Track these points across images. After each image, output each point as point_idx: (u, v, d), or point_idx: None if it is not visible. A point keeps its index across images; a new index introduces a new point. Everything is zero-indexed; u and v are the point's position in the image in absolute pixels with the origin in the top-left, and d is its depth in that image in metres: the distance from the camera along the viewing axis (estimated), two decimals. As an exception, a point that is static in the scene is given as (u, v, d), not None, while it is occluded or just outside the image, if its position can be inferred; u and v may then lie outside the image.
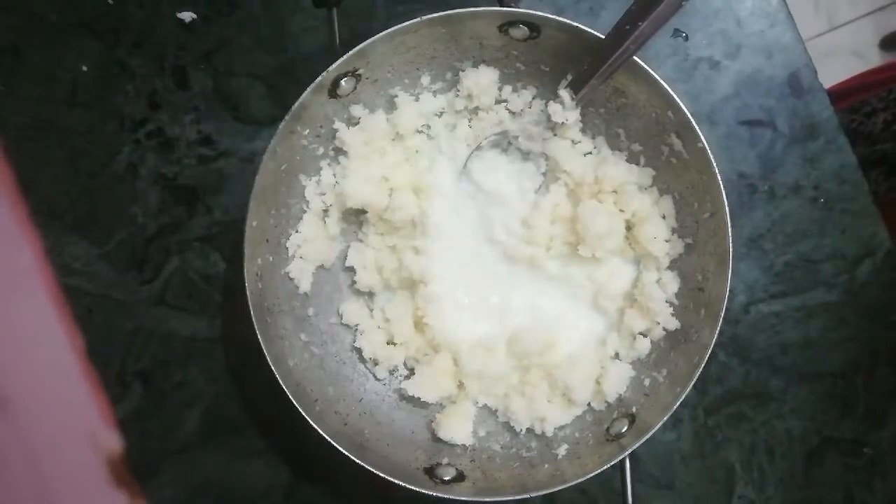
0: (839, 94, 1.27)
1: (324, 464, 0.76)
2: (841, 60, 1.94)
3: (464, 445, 0.80)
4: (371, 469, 0.72)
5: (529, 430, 0.80)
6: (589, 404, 0.80)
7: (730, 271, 0.72)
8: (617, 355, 0.81)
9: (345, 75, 0.76)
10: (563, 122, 0.78)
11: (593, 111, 0.81)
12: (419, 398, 0.80)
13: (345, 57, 0.74)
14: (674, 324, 0.78)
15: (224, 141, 0.90)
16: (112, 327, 0.87)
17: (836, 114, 0.88)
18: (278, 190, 0.79)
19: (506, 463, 0.80)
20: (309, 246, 0.82)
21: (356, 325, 0.84)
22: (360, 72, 0.77)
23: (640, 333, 0.79)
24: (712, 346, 0.72)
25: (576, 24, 0.72)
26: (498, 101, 0.83)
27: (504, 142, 0.82)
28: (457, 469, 0.78)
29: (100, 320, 0.87)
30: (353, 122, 0.81)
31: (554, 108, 0.77)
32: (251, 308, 0.74)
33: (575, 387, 0.78)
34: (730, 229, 0.72)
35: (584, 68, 0.74)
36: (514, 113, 0.83)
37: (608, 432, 0.78)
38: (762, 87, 0.89)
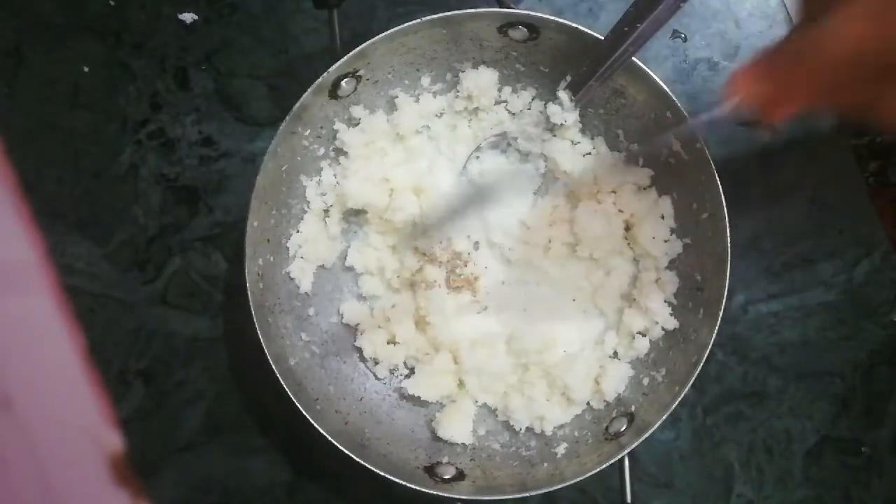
0: None
1: (325, 462, 0.77)
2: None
3: (463, 444, 0.81)
4: (371, 468, 0.73)
5: (529, 429, 0.81)
6: (588, 403, 0.81)
7: (728, 271, 0.73)
8: (616, 354, 0.82)
9: (345, 76, 0.77)
10: (562, 123, 0.78)
11: (592, 112, 0.82)
12: (419, 397, 0.81)
13: (345, 58, 0.74)
14: (672, 323, 0.78)
15: (225, 141, 0.90)
16: (114, 327, 0.88)
17: (834, 114, 0.88)
18: (279, 190, 0.80)
19: (505, 462, 0.80)
20: (310, 246, 0.82)
21: (357, 325, 0.85)
22: (360, 73, 0.78)
23: (639, 333, 0.80)
24: (711, 345, 0.72)
25: (575, 25, 0.73)
26: (497, 102, 0.84)
27: (503, 143, 0.83)
28: (457, 468, 0.79)
29: (102, 320, 0.87)
30: (353, 122, 0.82)
31: (553, 109, 0.78)
32: (252, 308, 0.74)
33: (574, 386, 0.78)
34: (728, 229, 0.73)
35: (583, 69, 0.74)
36: (513, 114, 0.83)
37: (607, 431, 0.78)
38: (761, 88, 0.89)
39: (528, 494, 0.74)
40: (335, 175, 0.83)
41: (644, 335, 0.80)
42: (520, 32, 0.76)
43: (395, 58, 0.79)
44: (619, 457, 0.73)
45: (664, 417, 0.72)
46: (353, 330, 0.85)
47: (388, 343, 0.84)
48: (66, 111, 0.90)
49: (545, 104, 0.79)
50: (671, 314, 0.78)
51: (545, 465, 0.79)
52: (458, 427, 0.80)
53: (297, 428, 0.73)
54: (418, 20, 0.74)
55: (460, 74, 0.82)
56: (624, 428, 0.77)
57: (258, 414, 0.88)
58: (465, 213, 0.84)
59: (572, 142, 0.82)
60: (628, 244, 0.82)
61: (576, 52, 0.75)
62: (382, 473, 0.73)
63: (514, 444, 0.82)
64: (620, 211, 0.81)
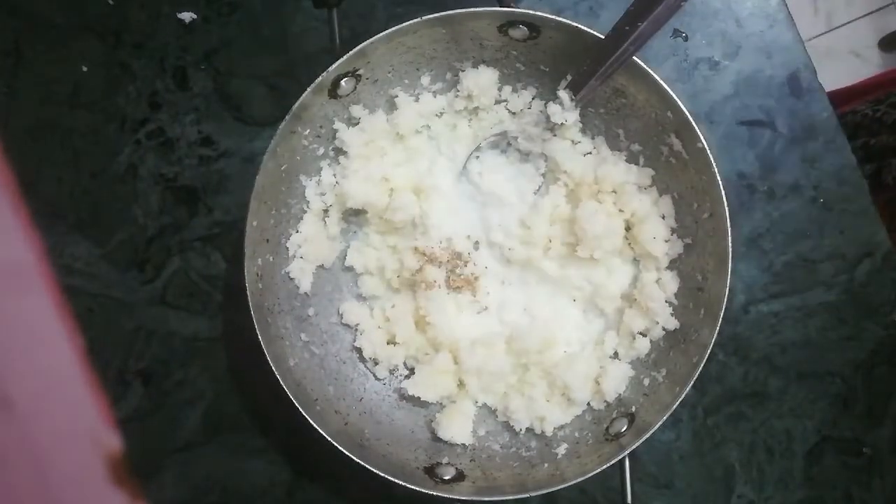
0: (861, 90, 1.26)
1: (324, 463, 0.76)
2: (840, 61, 1.94)
3: (463, 445, 0.80)
4: (371, 468, 0.73)
5: (529, 430, 0.81)
6: (588, 404, 0.80)
7: (729, 271, 0.72)
8: (616, 355, 0.81)
9: (345, 76, 0.76)
10: (562, 123, 0.78)
11: (593, 111, 0.81)
12: (419, 398, 0.80)
13: (345, 57, 0.74)
14: (673, 323, 0.78)
15: (224, 141, 0.90)
16: (113, 327, 0.87)
17: (835, 114, 0.88)
18: (279, 190, 0.79)
19: (505, 462, 0.80)
20: (309, 246, 0.82)
21: (356, 325, 0.85)
22: (360, 72, 0.78)
23: (640, 333, 0.79)
24: (711, 345, 0.72)
25: (575, 24, 0.73)
26: (497, 102, 0.83)
27: (503, 142, 0.82)
28: (456, 468, 0.78)
29: (101, 320, 0.87)
30: (353, 122, 0.82)
31: (553, 108, 0.77)
32: (252, 308, 0.74)
33: (574, 386, 0.78)
34: (729, 229, 0.72)
35: (584, 69, 0.74)
36: (513, 113, 0.83)
37: (607, 432, 0.78)
38: (761, 88, 0.89)
39: (528, 495, 0.74)
40: (335, 175, 0.82)
41: (644, 335, 0.80)
42: (520, 31, 0.76)
43: (395, 57, 0.79)
44: (619, 457, 0.73)
45: (665, 418, 0.72)
46: (352, 330, 0.85)
47: (387, 343, 0.84)
48: (65, 111, 0.90)
49: (545, 104, 0.79)
50: (672, 314, 0.78)
51: (545, 465, 0.78)
52: (458, 427, 0.80)
53: (297, 428, 0.73)
54: (418, 19, 0.74)
55: (460, 74, 0.82)
56: (624, 428, 0.76)
57: (258, 414, 0.88)
58: (465, 213, 0.84)
59: (573, 141, 0.82)
60: (629, 244, 0.82)
61: (576, 51, 0.75)
62: (382, 474, 0.73)
63: (515, 444, 0.81)
64: (621, 211, 0.80)
